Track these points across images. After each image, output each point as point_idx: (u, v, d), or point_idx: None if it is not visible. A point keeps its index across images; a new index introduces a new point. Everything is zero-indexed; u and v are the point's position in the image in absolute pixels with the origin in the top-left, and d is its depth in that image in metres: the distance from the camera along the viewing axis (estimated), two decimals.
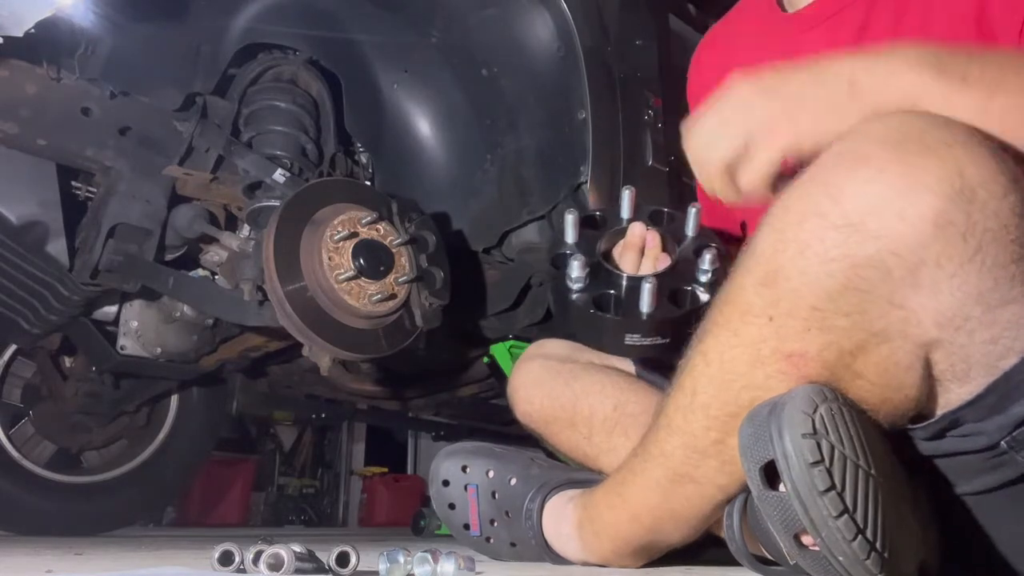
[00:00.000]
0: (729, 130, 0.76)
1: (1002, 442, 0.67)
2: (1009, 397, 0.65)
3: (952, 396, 0.67)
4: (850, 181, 0.61)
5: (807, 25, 1.04)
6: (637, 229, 1.03)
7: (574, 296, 1.01)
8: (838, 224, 0.61)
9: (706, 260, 1.00)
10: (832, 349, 0.64)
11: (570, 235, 1.07)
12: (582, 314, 1.01)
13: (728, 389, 0.70)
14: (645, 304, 0.96)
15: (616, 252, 1.07)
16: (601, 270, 1.03)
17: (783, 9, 1.10)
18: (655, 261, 1.03)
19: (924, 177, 0.59)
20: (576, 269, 1.00)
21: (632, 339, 1.00)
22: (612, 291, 1.01)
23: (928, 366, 0.65)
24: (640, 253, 1.04)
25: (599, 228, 1.10)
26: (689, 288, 1.01)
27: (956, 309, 0.61)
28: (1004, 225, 0.60)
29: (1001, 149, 0.62)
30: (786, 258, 0.64)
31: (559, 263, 1.06)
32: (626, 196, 1.09)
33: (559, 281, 1.04)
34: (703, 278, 1.01)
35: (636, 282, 0.98)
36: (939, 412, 0.69)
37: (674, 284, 1.01)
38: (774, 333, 0.66)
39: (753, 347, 0.67)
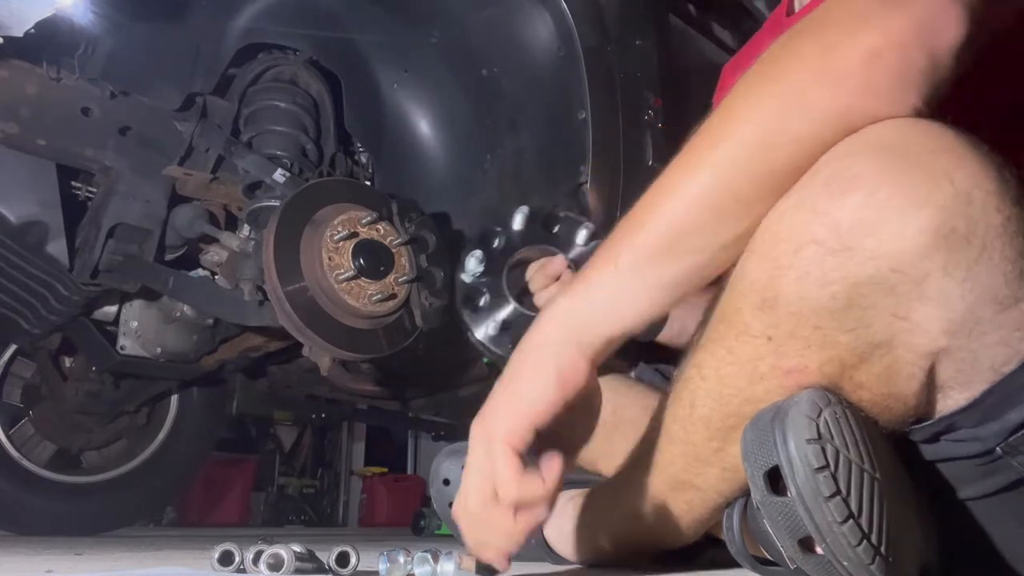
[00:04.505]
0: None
1: (997, 448, 0.67)
2: (1006, 402, 0.64)
3: (950, 402, 0.67)
4: (841, 207, 0.60)
5: None
6: (558, 264, 1.06)
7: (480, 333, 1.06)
8: (836, 249, 0.60)
9: None
10: (834, 363, 0.63)
11: (475, 267, 1.09)
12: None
13: (728, 403, 0.69)
14: None
15: (530, 274, 1.09)
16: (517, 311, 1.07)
17: (789, 12, 1.12)
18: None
19: (916, 192, 0.58)
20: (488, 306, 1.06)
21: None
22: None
23: (931, 374, 0.64)
24: (555, 280, 1.08)
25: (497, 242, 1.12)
26: None
27: (967, 313, 0.60)
28: (1006, 218, 0.59)
29: (987, 147, 0.62)
30: (784, 284, 0.63)
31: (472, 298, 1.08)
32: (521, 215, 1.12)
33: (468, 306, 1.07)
34: None
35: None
36: (936, 416, 0.68)
37: None
38: (772, 351, 0.65)
39: (750, 364, 0.66)
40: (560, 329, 0.68)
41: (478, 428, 0.69)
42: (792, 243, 0.62)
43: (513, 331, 1.02)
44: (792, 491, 0.58)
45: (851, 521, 0.57)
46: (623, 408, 1.08)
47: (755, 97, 0.65)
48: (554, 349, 0.67)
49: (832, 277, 0.60)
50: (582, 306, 0.68)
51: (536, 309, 1.00)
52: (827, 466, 0.57)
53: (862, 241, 0.59)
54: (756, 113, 0.64)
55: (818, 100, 0.62)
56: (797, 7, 1.10)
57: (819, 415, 0.59)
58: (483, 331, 1.04)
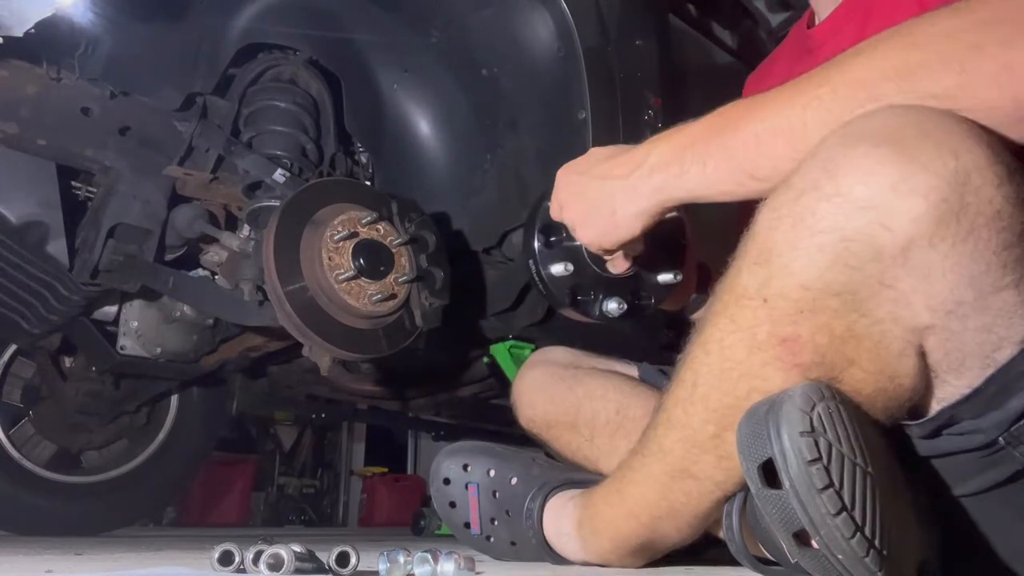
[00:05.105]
0: (564, 216, 0.93)
1: (1000, 438, 0.67)
2: (1007, 391, 0.65)
3: (949, 389, 0.67)
4: (846, 156, 0.62)
5: (819, 41, 1.07)
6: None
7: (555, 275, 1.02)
8: (830, 195, 0.62)
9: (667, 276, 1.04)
10: (824, 332, 0.65)
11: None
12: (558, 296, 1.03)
13: (726, 379, 0.70)
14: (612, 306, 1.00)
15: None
16: (587, 265, 1.04)
17: (810, 25, 1.13)
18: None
19: (920, 156, 0.60)
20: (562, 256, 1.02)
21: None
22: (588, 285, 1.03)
23: (922, 355, 0.65)
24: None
25: None
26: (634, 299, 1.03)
27: (947, 292, 0.61)
28: (997, 212, 0.60)
29: (999, 144, 0.62)
30: (780, 234, 0.65)
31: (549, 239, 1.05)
32: None
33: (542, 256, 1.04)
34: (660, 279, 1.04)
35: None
36: (936, 407, 0.69)
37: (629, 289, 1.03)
38: (768, 315, 0.66)
39: (749, 331, 0.68)
40: (663, 182, 0.81)
41: (573, 184, 0.91)
42: (795, 190, 0.64)
43: (574, 279, 1.01)
44: (786, 483, 0.59)
45: (844, 513, 0.57)
46: (627, 408, 1.08)
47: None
48: (653, 201, 0.83)
49: (822, 226, 0.62)
50: (678, 181, 0.80)
51: (606, 271, 1.00)
52: (820, 459, 0.58)
53: (856, 190, 0.61)
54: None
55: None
56: (818, 21, 1.11)
57: (812, 408, 0.60)
58: (545, 264, 1.01)
